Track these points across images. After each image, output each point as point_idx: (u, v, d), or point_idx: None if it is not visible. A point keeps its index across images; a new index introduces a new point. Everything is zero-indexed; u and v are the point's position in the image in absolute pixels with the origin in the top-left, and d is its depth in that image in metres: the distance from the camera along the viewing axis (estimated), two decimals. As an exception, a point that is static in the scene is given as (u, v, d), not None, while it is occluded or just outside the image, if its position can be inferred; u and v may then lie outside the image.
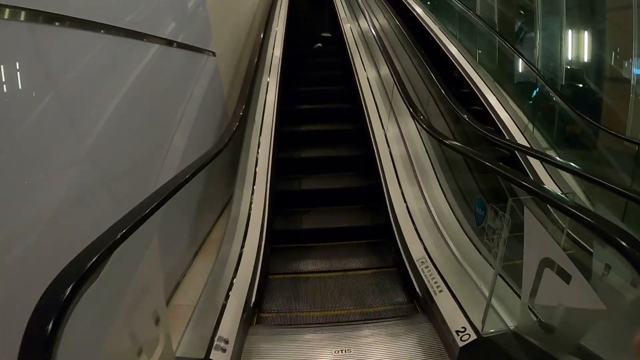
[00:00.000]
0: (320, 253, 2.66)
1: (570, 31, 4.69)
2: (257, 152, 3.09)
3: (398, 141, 3.25)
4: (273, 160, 3.06)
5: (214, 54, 3.19)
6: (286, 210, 3.05)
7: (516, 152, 3.23)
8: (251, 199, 2.60)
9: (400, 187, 2.75)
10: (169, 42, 2.31)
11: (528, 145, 3.41)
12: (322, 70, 5.04)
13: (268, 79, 4.00)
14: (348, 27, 5.17)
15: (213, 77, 3.23)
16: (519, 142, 3.46)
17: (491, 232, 1.38)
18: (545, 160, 2.65)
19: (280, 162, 3.32)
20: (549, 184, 3.00)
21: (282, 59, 4.38)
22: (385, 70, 3.79)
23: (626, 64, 4.02)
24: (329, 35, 5.64)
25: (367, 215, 3.01)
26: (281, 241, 2.75)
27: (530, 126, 3.71)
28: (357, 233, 2.86)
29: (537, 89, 4.13)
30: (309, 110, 4.22)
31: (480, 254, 1.95)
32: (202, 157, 1.76)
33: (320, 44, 5.54)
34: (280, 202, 3.03)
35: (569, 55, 4.67)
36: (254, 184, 2.72)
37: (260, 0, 5.18)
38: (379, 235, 2.78)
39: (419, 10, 5.81)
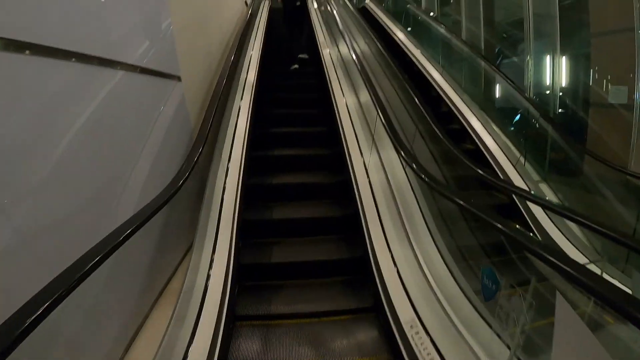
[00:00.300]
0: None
1: (564, 57, 4.53)
2: (225, 181, 2.89)
3: (381, 179, 2.98)
4: (241, 191, 2.86)
5: (179, 79, 2.89)
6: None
7: (514, 196, 2.96)
8: (214, 243, 2.25)
9: (390, 251, 2.35)
10: (127, 67, 2.10)
11: (526, 188, 3.15)
12: (298, 105, 4.66)
13: (240, 103, 3.75)
14: (327, 52, 4.98)
15: (179, 104, 2.94)
16: (510, 175, 3.23)
17: (504, 314, 1.08)
18: (549, 208, 2.33)
19: (251, 190, 3.15)
20: (556, 237, 2.72)
21: (255, 83, 4.16)
22: (365, 96, 3.55)
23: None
24: (307, 57, 5.62)
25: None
26: (249, 278, 2.53)
27: (522, 159, 3.50)
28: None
29: (528, 118, 3.96)
30: (283, 135, 4.03)
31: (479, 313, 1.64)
32: (151, 203, 1.56)
33: (297, 65, 5.49)
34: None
35: (563, 81, 4.48)
36: (217, 226, 2.39)
37: (236, 26, 4.96)
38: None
39: (400, 36, 5.73)
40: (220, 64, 4.32)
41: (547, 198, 2.92)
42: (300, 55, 5.54)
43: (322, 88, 4.50)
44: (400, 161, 2.80)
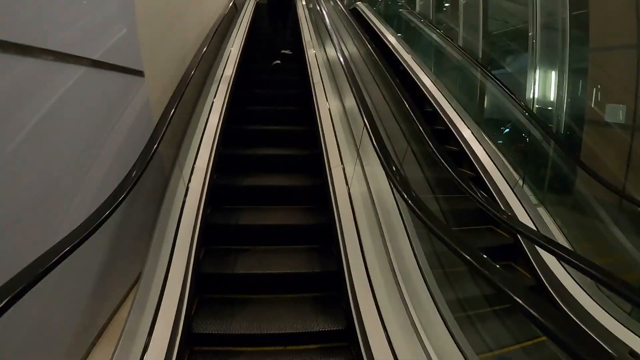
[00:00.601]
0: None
1: (570, 71, 4.11)
2: (188, 181, 2.57)
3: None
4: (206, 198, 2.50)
5: (141, 74, 2.53)
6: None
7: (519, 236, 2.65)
8: (167, 271, 1.92)
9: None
10: (64, 57, 1.75)
11: (526, 215, 2.88)
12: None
13: (214, 100, 3.41)
14: (312, 53, 4.66)
15: (141, 103, 2.57)
16: (508, 199, 2.97)
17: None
18: (562, 257, 1.90)
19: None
20: (575, 292, 2.37)
21: (233, 78, 3.83)
22: (350, 102, 3.24)
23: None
24: (290, 52, 5.39)
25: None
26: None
27: (521, 181, 3.26)
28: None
29: (531, 137, 3.73)
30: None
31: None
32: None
33: (279, 61, 5.25)
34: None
35: (566, 97, 4.06)
36: (173, 248, 2.05)
37: (217, 19, 4.59)
38: None
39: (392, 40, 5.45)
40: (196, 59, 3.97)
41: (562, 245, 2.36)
42: (283, 51, 5.32)
43: (306, 101, 4.06)
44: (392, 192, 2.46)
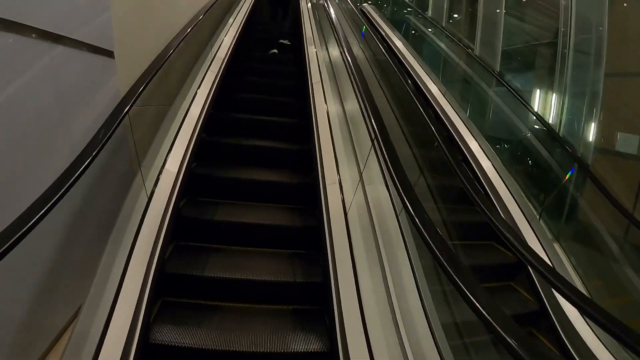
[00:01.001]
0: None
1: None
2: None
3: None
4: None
5: (110, 54, 2.18)
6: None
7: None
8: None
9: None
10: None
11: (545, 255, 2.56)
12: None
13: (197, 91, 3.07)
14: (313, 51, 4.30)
15: (108, 88, 2.22)
16: (524, 235, 2.64)
17: None
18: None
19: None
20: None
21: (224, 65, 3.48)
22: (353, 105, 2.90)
23: None
24: (288, 43, 5.15)
25: None
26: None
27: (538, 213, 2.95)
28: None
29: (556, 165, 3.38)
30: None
31: None
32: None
33: (276, 50, 4.99)
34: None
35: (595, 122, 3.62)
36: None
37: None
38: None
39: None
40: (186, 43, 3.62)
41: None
42: (282, 41, 5.08)
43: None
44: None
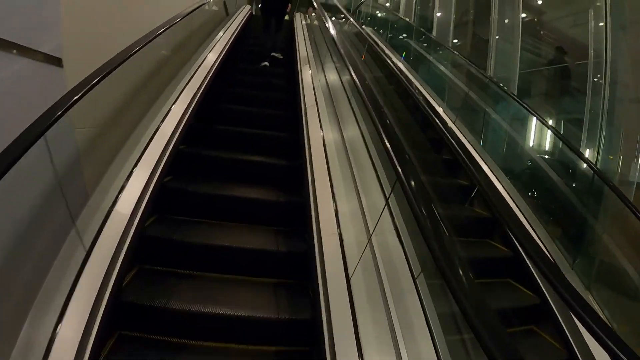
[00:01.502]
0: None
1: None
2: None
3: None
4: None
5: (58, 61, 1.87)
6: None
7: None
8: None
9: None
10: None
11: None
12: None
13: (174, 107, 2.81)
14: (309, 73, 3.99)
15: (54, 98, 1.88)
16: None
17: None
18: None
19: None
20: None
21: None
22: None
23: None
24: (281, 56, 5.00)
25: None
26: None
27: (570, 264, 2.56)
28: None
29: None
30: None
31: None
32: None
33: (267, 63, 4.85)
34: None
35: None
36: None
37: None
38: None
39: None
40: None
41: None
42: (274, 54, 4.93)
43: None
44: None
